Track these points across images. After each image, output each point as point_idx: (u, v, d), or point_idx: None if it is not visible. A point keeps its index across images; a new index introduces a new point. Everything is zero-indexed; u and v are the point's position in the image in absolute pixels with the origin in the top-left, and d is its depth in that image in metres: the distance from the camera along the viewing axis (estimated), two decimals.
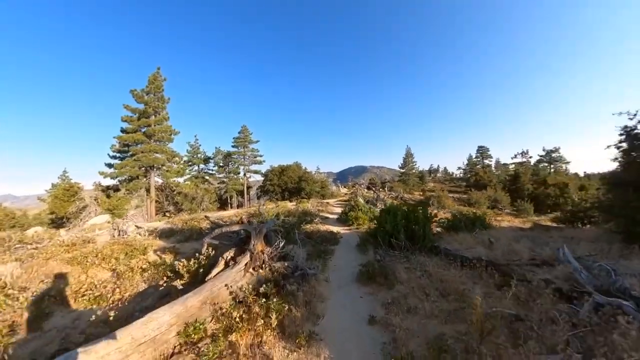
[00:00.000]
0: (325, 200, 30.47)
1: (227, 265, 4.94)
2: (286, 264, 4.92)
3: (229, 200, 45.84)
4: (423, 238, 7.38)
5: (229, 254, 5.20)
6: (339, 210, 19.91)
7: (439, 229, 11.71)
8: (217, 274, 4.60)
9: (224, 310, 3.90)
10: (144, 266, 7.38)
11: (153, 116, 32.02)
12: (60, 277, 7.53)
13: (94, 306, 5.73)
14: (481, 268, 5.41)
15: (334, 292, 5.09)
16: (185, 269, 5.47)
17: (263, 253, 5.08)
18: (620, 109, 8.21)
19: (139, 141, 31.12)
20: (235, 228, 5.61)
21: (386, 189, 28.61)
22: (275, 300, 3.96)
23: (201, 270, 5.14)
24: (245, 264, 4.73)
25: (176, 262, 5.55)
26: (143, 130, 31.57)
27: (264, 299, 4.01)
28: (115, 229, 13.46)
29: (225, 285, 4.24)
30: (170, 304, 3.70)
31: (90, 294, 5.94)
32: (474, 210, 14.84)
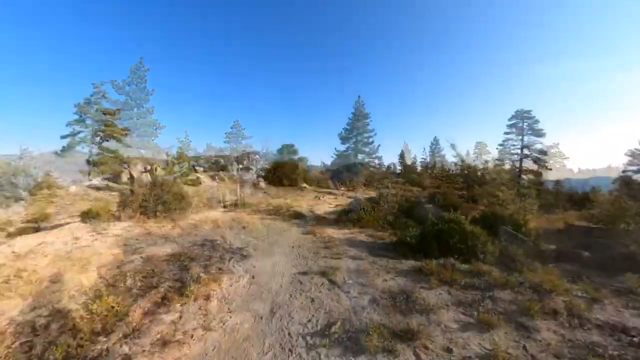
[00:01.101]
0: (322, 199, 28.32)
1: None
2: None
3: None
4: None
5: None
6: (337, 209, 17.78)
7: None
8: None
9: None
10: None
11: (135, 109, 29.57)
12: None
13: None
14: None
15: None
16: None
17: None
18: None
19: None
20: None
21: (389, 186, 26.51)
22: None
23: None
24: None
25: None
26: (125, 123, 29.14)
27: None
28: (70, 236, 11.20)
29: None
30: None
31: None
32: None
